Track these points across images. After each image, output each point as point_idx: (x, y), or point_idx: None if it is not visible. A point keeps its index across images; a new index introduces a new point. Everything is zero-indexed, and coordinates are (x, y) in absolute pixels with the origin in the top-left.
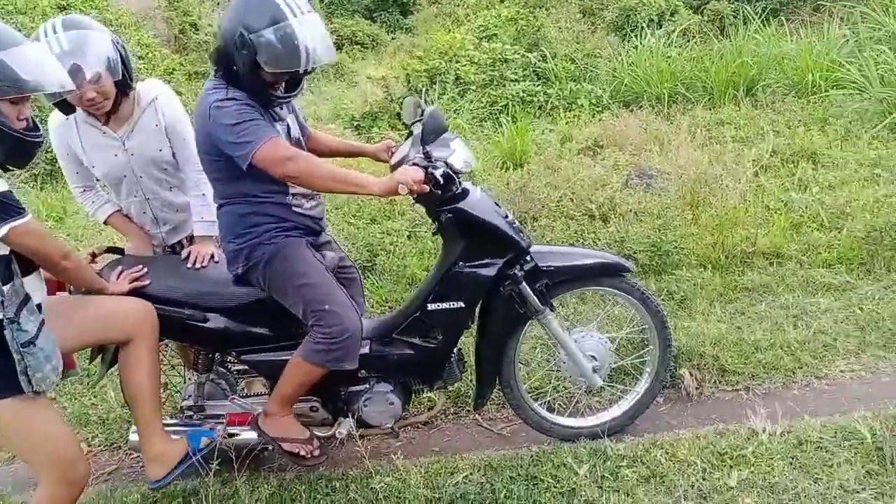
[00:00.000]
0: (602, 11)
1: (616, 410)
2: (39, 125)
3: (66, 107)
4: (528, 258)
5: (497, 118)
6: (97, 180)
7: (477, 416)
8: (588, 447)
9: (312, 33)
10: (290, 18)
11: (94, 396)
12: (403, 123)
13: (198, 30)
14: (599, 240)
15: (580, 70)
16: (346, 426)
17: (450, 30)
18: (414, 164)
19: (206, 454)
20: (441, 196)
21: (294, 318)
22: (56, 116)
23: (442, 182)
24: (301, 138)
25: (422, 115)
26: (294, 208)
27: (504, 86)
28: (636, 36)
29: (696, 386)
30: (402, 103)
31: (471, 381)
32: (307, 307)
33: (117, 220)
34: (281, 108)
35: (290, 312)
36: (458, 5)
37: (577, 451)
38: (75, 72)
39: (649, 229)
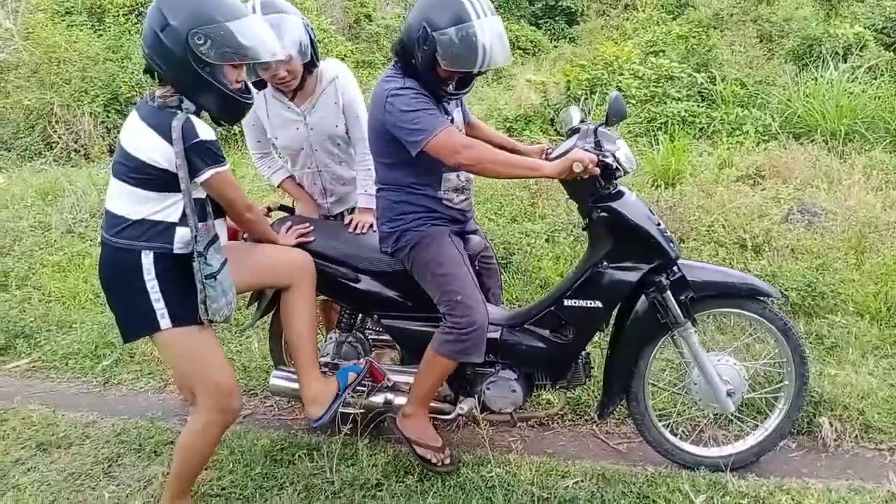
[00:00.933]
0: (782, 38)
1: (741, 445)
2: (251, 88)
3: (259, 83)
4: (675, 269)
5: (654, 135)
6: (275, 148)
7: (594, 426)
8: (708, 478)
9: (492, 35)
10: (474, 19)
11: (240, 345)
12: (563, 131)
13: (371, 21)
14: (749, 271)
15: (750, 96)
16: (468, 404)
17: (616, 42)
18: (585, 149)
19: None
20: (599, 190)
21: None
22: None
23: (610, 169)
24: (463, 127)
25: (581, 122)
26: (444, 202)
27: (666, 103)
28: (817, 67)
29: (834, 437)
30: (558, 111)
31: (593, 390)
32: (441, 295)
33: (290, 184)
34: (449, 104)
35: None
36: (628, 19)
37: (695, 479)
38: (272, 50)
39: (805, 268)
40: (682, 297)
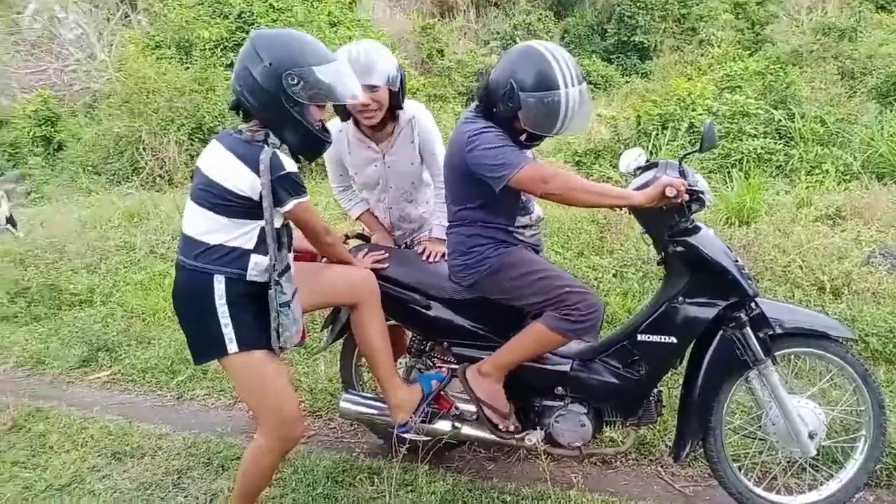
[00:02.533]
0: (865, 76)
1: (815, 495)
2: (329, 128)
3: (343, 112)
4: (753, 305)
5: (728, 172)
6: (354, 183)
7: (659, 467)
8: None
9: (576, 106)
10: (561, 88)
11: (307, 367)
12: (625, 170)
13: (443, 56)
14: (827, 314)
15: (830, 134)
16: (535, 436)
17: (690, 77)
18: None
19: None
20: (677, 224)
21: (507, 322)
22: (332, 127)
23: (698, 194)
24: None
25: (646, 163)
26: (515, 234)
27: (741, 140)
28: None
29: None
30: (628, 146)
31: (659, 429)
32: (548, 296)
33: (368, 217)
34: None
35: (503, 316)
36: (702, 55)
37: None
38: (365, 72)
39: (888, 313)
40: (762, 334)
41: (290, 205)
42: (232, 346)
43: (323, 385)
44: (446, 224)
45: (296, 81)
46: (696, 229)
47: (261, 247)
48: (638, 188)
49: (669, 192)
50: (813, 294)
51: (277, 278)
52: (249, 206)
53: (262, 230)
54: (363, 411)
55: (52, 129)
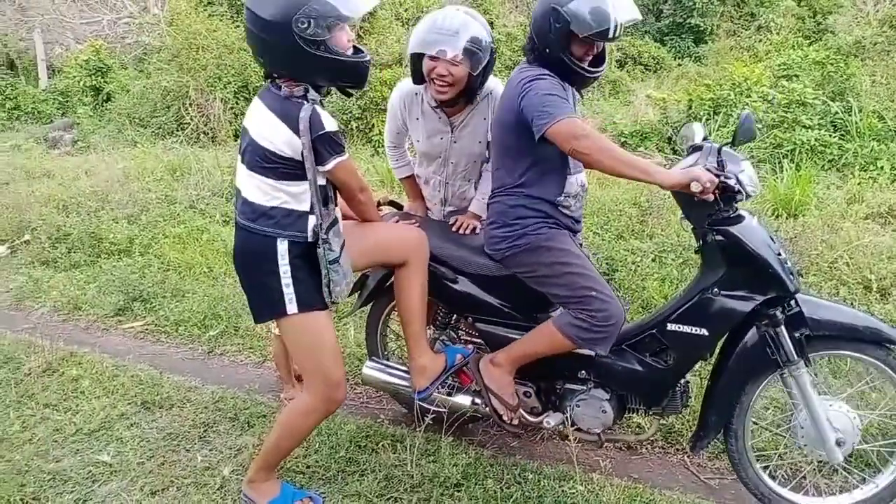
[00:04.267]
0: None
1: (846, 498)
2: (362, 47)
3: (418, 77)
4: (792, 303)
5: (779, 162)
6: (409, 146)
7: (686, 457)
8: None
9: (622, 8)
10: None
11: (337, 331)
12: (681, 147)
13: (493, 27)
14: (872, 314)
15: (888, 130)
16: (556, 419)
17: (746, 64)
18: (707, 168)
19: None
20: (718, 212)
21: (534, 303)
22: (406, 86)
23: (730, 191)
24: None
25: (704, 139)
26: (561, 208)
27: (795, 130)
28: None
29: None
30: (677, 129)
31: (687, 419)
32: (573, 293)
33: (410, 182)
34: (574, 103)
35: (530, 296)
36: (760, 40)
37: None
38: (447, 39)
39: None
40: (798, 334)
41: (331, 164)
42: (291, 307)
43: (351, 350)
44: (486, 200)
45: (305, 23)
46: (738, 218)
47: (315, 207)
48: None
49: (694, 188)
50: (858, 292)
51: (325, 235)
52: (294, 167)
53: (318, 189)
54: (386, 379)
55: (102, 80)
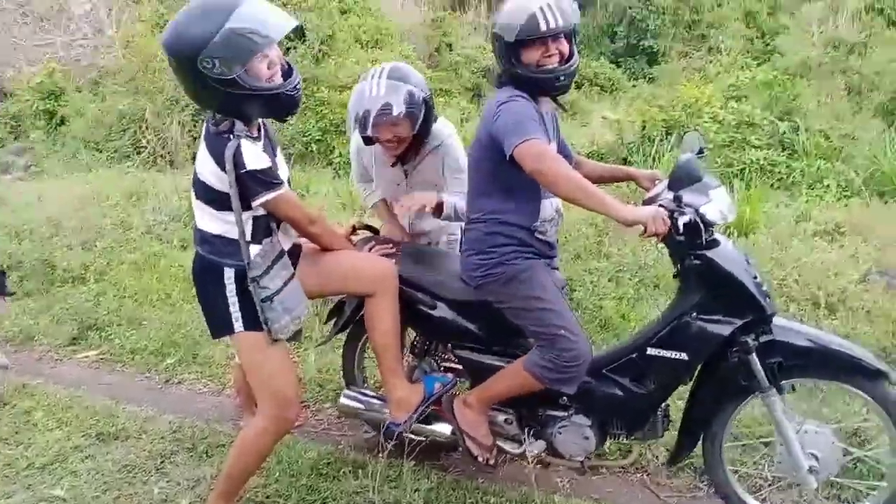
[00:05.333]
0: (871, 92)
1: None
2: (293, 66)
3: (367, 140)
4: (767, 328)
5: (730, 181)
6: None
7: (645, 475)
8: None
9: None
10: None
11: (297, 356)
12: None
13: (451, 50)
14: (853, 342)
15: (834, 149)
16: (538, 446)
17: (697, 85)
18: (661, 205)
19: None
20: (686, 242)
21: (511, 330)
22: (357, 134)
23: (682, 230)
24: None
25: (699, 152)
26: (537, 234)
27: (744, 150)
28: None
29: None
30: (632, 150)
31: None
32: (543, 328)
33: (382, 207)
34: (551, 127)
35: (507, 324)
36: (711, 62)
37: None
38: (383, 112)
39: (882, 332)
40: (771, 361)
41: (260, 199)
42: (238, 325)
43: (311, 375)
44: (453, 199)
45: (210, 63)
46: (714, 243)
47: (257, 237)
48: (649, 198)
49: (636, 231)
50: (808, 309)
51: (256, 275)
52: (227, 199)
53: (255, 220)
54: (363, 409)
55: (56, 104)
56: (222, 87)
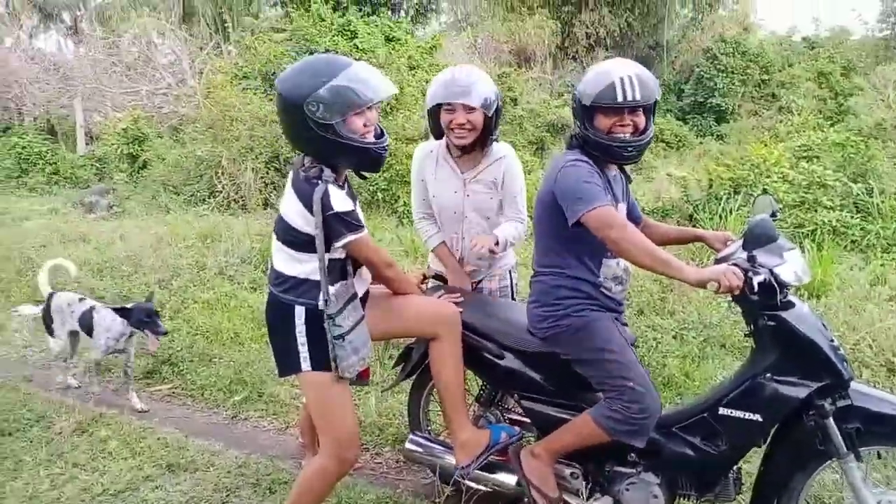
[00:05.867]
0: None
1: None
2: (384, 131)
3: (436, 130)
4: (844, 393)
5: (801, 242)
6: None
7: None
8: None
9: (624, 66)
10: (606, 61)
11: (358, 399)
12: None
13: (516, 105)
14: None
15: None
16: (606, 503)
17: (766, 144)
18: (735, 264)
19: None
20: (760, 302)
21: (579, 383)
22: (422, 147)
23: (757, 289)
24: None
25: (772, 215)
26: (602, 290)
27: (816, 211)
28: None
29: None
30: (698, 207)
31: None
32: (610, 380)
33: (443, 251)
34: (619, 189)
35: (574, 376)
36: (781, 121)
37: None
38: (464, 92)
39: None
40: (848, 427)
41: (342, 241)
42: (305, 365)
43: (372, 419)
44: (509, 232)
45: (315, 107)
46: (789, 304)
47: (333, 278)
48: (722, 257)
49: (710, 287)
50: (881, 374)
51: (333, 313)
52: (310, 241)
53: (332, 262)
54: (427, 455)
55: (139, 148)
56: (320, 132)
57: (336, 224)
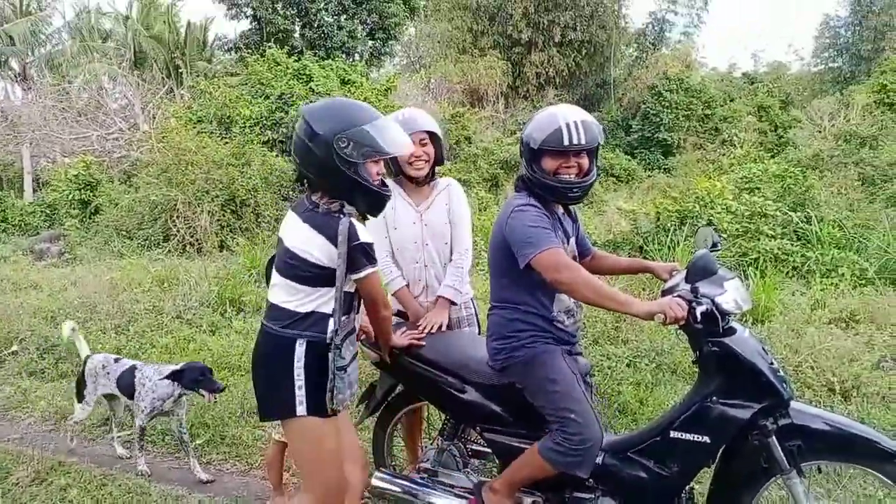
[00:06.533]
0: (885, 183)
1: None
2: (387, 181)
3: (394, 166)
4: (785, 412)
5: (745, 270)
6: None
7: None
8: None
9: (570, 112)
10: (552, 106)
11: None
12: (695, 249)
13: (470, 143)
14: (870, 426)
15: (847, 239)
16: None
17: (710, 177)
18: (679, 295)
19: None
20: (704, 330)
21: (538, 412)
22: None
23: (700, 319)
24: (576, 258)
25: (713, 246)
26: (555, 323)
27: (758, 239)
28: None
29: None
30: (647, 239)
31: None
32: (555, 411)
33: (405, 293)
34: (568, 225)
35: (535, 407)
36: (724, 154)
37: None
38: (417, 124)
39: None
40: (790, 445)
41: (364, 272)
42: (301, 409)
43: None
44: (457, 288)
45: (346, 143)
46: (731, 330)
47: (337, 312)
48: (668, 289)
49: (657, 319)
50: (822, 395)
51: (339, 343)
52: (327, 275)
53: (344, 294)
54: (393, 489)
55: (91, 194)
56: (342, 167)
57: (359, 255)
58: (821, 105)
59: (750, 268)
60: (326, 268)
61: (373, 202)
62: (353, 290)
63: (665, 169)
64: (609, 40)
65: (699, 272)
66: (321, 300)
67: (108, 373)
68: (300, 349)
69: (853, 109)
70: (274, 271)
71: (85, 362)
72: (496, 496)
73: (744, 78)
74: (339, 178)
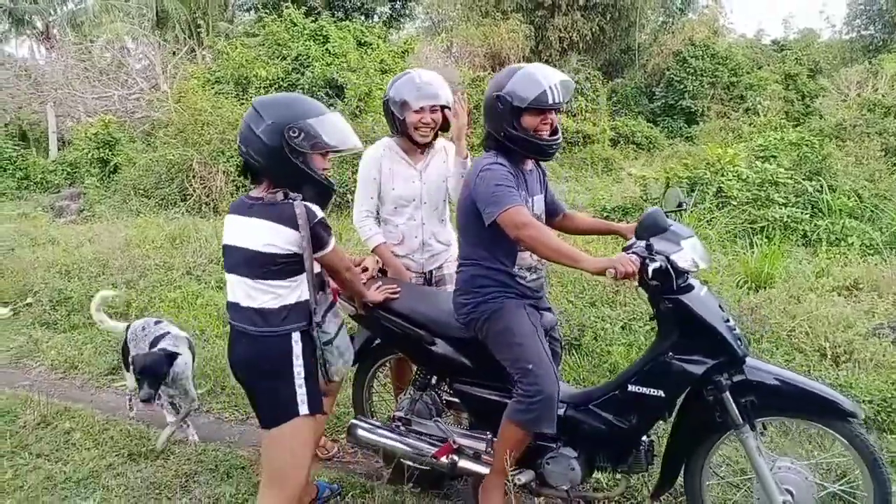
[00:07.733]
0: None
1: None
2: (333, 181)
3: (399, 125)
4: (740, 368)
5: (752, 237)
6: (377, 210)
7: None
8: None
9: (549, 72)
10: (527, 66)
11: None
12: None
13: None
14: (823, 380)
15: (863, 208)
16: (527, 476)
17: (728, 144)
18: (633, 252)
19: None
20: (660, 287)
21: (503, 366)
22: (374, 148)
23: (652, 275)
24: (542, 215)
25: (680, 205)
26: (517, 278)
27: (768, 207)
28: None
29: None
30: (657, 205)
31: (645, 476)
32: (513, 363)
33: (384, 250)
34: (535, 184)
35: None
36: (749, 123)
37: None
38: (435, 95)
39: (885, 382)
40: (744, 400)
41: (329, 247)
42: (303, 409)
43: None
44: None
45: (297, 133)
46: (688, 287)
47: (311, 293)
48: (628, 246)
49: (608, 274)
50: (814, 359)
51: (319, 320)
52: (295, 262)
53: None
54: (372, 438)
55: (110, 153)
56: (292, 157)
57: (322, 231)
58: (848, 74)
59: (757, 235)
60: (297, 254)
61: (320, 194)
62: (320, 270)
63: (688, 137)
64: (634, 4)
65: (648, 228)
66: (296, 289)
67: (147, 335)
68: (296, 338)
69: (882, 79)
70: (236, 279)
71: (127, 329)
72: (488, 493)
73: (772, 45)
74: (287, 167)
